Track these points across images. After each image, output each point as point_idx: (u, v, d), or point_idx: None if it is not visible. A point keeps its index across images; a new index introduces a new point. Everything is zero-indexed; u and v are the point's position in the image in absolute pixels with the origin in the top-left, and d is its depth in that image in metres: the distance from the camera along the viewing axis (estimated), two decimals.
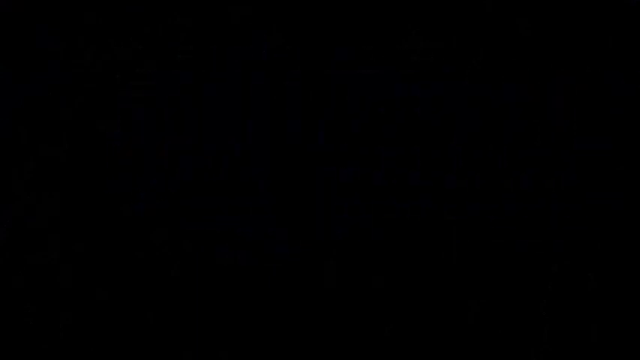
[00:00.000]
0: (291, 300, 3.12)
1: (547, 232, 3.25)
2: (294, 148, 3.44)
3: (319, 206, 3.31)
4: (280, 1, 3.70)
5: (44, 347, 2.98)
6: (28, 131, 3.50)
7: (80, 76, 3.62)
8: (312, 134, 3.47)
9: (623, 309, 3.15)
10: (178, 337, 3.08)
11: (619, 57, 3.51)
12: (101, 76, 3.60)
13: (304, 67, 3.64)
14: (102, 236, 3.25)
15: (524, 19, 3.59)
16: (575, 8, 3.61)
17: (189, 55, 3.68)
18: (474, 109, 3.52)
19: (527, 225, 3.27)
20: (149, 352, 3.06)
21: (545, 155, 3.42)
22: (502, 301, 3.16)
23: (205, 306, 3.13)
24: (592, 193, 3.32)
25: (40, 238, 3.24)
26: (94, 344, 3.05)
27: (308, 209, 3.28)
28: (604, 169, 3.35)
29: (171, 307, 3.13)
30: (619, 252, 3.22)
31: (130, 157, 3.46)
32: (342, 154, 3.47)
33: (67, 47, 3.63)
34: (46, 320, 3.08)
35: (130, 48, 3.67)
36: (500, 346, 3.08)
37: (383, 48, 3.67)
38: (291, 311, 3.11)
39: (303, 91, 3.61)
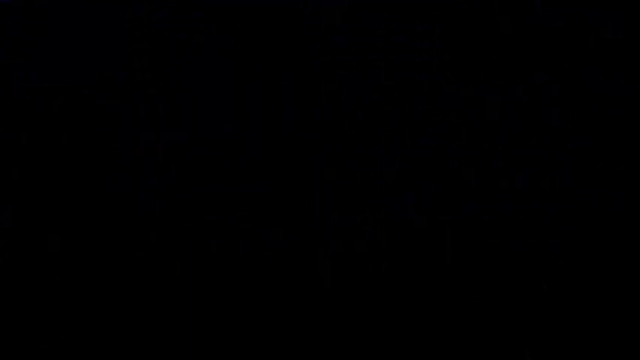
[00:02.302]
0: (286, 287, 3.13)
1: (542, 232, 3.27)
2: (290, 136, 3.45)
3: (314, 195, 3.31)
4: None
5: (44, 347, 2.99)
6: (28, 131, 3.50)
7: (80, 77, 3.62)
8: (307, 124, 3.48)
9: (619, 308, 3.17)
10: (178, 327, 3.10)
11: (618, 58, 3.52)
12: (100, 77, 3.60)
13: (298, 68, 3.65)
14: (102, 235, 3.26)
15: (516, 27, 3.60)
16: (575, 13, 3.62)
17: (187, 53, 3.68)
18: (469, 110, 3.53)
19: (523, 225, 3.28)
20: (151, 343, 3.08)
21: (541, 155, 3.44)
22: (497, 301, 3.18)
23: (204, 295, 3.14)
24: (587, 193, 3.33)
25: (40, 238, 3.25)
26: (95, 342, 3.06)
27: (303, 198, 3.29)
28: (599, 169, 3.37)
29: (171, 297, 3.14)
30: (614, 252, 3.23)
31: (130, 157, 3.47)
32: (337, 151, 3.48)
33: (68, 48, 3.63)
34: (46, 319, 3.09)
35: (130, 48, 3.67)
36: (496, 344, 3.10)
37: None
38: (286, 298, 3.12)
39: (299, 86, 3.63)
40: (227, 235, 3.29)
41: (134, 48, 3.78)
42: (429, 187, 3.41)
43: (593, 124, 3.53)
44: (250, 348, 3.13)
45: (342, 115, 3.57)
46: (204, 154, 3.49)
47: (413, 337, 3.16)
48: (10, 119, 3.52)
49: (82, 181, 3.41)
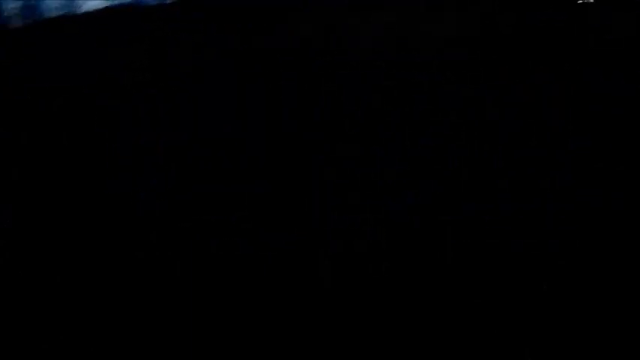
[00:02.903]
0: (286, 287, 3.13)
1: (542, 232, 3.27)
2: (290, 136, 3.45)
3: (314, 195, 3.32)
4: None
5: (44, 347, 2.99)
6: (28, 131, 3.51)
7: (80, 77, 3.63)
8: (307, 124, 3.48)
9: (620, 308, 3.16)
10: (178, 327, 3.10)
11: (618, 58, 3.53)
12: (100, 77, 3.61)
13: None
14: (102, 235, 3.26)
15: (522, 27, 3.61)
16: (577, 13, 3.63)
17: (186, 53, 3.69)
18: (469, 110, 3.53)
19: (523, 225, 3.29)
20: (151, 343, 3.08)
21: (541, 155, 3.44)
22: (497, 301, 3.18)
23: (204, 295, 3.14)
24: (587, 193, 3.34)
25: (40, 238, 3.25)
26: (95, 342, 3.06)
27: (303, 198, 3.29)
28: (599, 169, 3.37)
29: (171, 297, 3.14)
30: (614, 252, 3.23)
31: (130, 157, 3.47)
32: (337, 151, 3.48)
33: (69, 49, 3.64)
34: (46, 319, 3.09)
35: (130, 48, 3.68)
36: (496, 344, 3.10)
37: None
38: (286, 298, 3.12)
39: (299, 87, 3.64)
40: (227, 235, 3.29)
41: (134, 48, 3.78)
42: (429, 187, 3.41)
43: (593, 124, 3.54)
44: (250, 348, 3.12)
45: (342, 115, 3.58)
46: (204, 154, 3.50)
47: (413, 337, 3.16)
48: (10, 119, 3.52)
49: (82, 181, 3.41)
